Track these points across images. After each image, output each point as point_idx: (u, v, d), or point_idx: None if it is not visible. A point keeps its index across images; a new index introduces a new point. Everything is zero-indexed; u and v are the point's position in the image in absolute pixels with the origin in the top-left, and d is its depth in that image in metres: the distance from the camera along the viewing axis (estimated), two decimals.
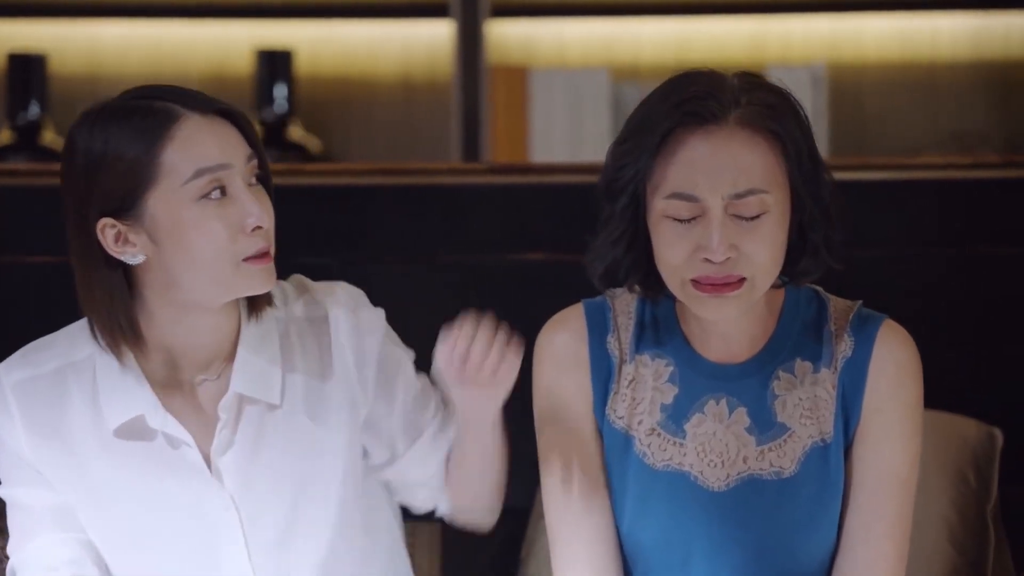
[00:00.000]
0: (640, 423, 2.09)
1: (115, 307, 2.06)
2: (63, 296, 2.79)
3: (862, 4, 4.47)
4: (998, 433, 2.72)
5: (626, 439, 2.08)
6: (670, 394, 2.09)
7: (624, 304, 2.13)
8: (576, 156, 4.31)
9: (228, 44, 4.55)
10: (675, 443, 2.07)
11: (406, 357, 2.23)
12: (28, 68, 4.34)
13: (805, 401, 2.06)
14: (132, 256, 2.04)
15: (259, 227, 2.03)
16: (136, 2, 4.50)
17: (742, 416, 2.07)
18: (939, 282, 2.97)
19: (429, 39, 4.47)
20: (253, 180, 2.06)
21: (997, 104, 4.46)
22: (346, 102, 4.49)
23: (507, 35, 4.48)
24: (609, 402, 2.10)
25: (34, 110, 4.33)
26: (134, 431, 2.11)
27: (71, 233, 2.07)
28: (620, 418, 2.10)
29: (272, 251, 2.08)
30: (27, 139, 4.32)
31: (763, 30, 4.52)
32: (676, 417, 2.09)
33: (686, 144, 1.96)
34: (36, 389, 2.13)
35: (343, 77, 4.50)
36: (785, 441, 2.06)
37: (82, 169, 2.02)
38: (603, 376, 2.10)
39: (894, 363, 2.07)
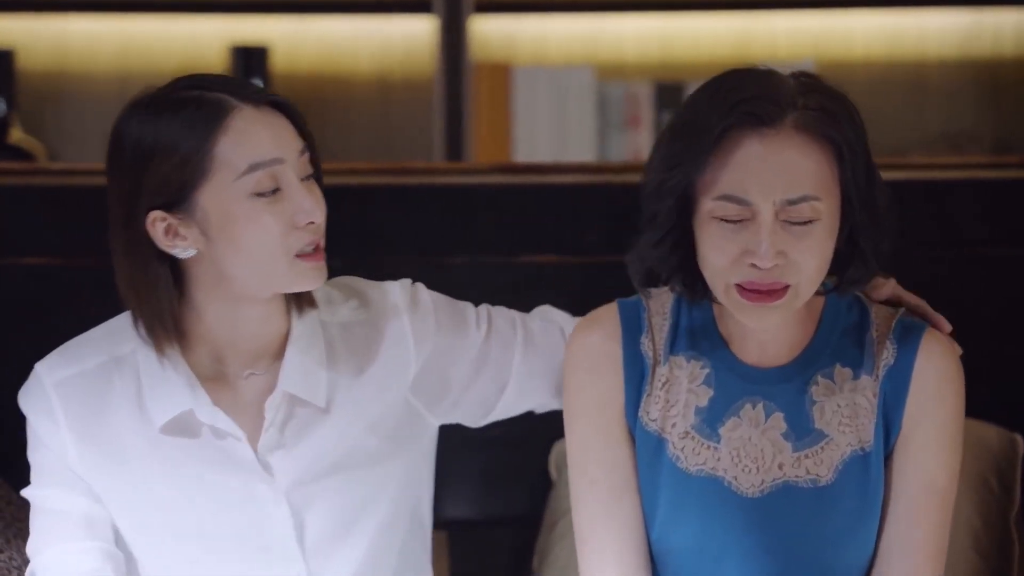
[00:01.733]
0: (674, 426, 2.07)
1: (161, 301, 2.02)
2: (28, 298, 2.75)
3: (849, 1, 4.46)
4: (1020, 439, 2.72)
5: (659, 442, 2.07)
6: (705, 397, 2.07)
7: (660, 304, 2.11)
8: (560, 156, 4.28)
9: (201, 40, 4.50)
10: (709, 447, 2.05)
11: (461, 307, 2.21)
12: None
13: (844, 408, 2.04)
14: (183, 250, 2.01)
15: (311, 222, 2.01)
16: None
17: (779, 421, 2.05)
18: (939, 283, 2.95)
19: (408, 35, 4.44)
20: (305, 174, 2.03)
21: (987, 103, 4.46)
22: (323, 100, 4.45)
23: (489, 32, 4.44)
24: (642, 404, 2.08)
25: (1, 107, 4.26)
26: (181, 427, 2.08)
27: (116, 227, 2.03)
28: (653, 420, 2.08)
29: (323, 246, 2.06)
30: None
31: (749, 27, 4.51)
32: (711, 420, 2.07)
33: (740, 145, 1.93)
34: (80, 387, 2.09)
35: (320, 74, 4.46)
36: (823, 448, 2.04)
37: (131, 162, 1.99)
38: (636, 377, 2.08)
39: (936, 373, 2.05)
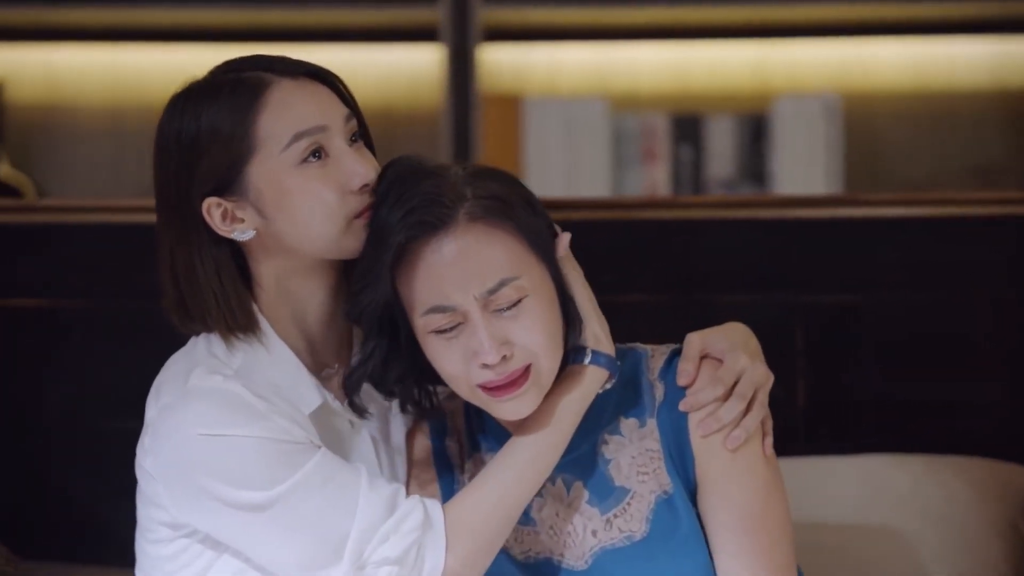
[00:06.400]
0: None
1: (225, 286, 2.08)
2: (15, 342, 2.75)
3: (875, 28, 4.46)
4: None
5: None
6: None
7: (458, 406, 2.18)
8: (573, 190, 4.28)
9: (196, 69, 4.48)
10: (528, 532, 2.12)
11: None
12: None
13: (639, 458, 2.09)
14: (241, 232, 2.07)
15: (365, 185, 2.06)
16: (96, 26, 4.45)
17: (580, 490, 2.10)
18: (967, 324, 2.95)
19: (414, 65, 4.44)
20: (353, 139, 2.10)
21: (1018, 135, 4.45)
22: None
23: (498, 61, 4.44)
24: None
25: None
26: (322, 415, 2.12)
27: (170, 222, 2.08)
28: None
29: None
30: None
31: (769, 56, 4.50)
32: None
33: (423, 257, 2.01)
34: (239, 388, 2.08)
35: None
36: (629, 504, 2.08)
37: (177, 154, 2.06)
38: (448, 482, 2.16)
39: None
